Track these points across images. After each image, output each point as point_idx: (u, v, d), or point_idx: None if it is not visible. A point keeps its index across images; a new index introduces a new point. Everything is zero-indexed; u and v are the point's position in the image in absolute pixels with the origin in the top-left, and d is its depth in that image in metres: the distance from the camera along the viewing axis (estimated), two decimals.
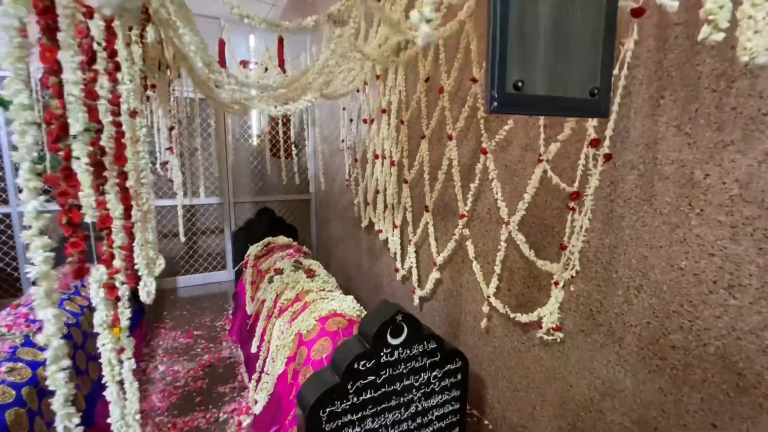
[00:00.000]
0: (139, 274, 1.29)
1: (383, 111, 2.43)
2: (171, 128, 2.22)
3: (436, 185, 2.00)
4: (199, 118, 3.08)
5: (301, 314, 1.68)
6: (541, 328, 1.41)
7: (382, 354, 1.09)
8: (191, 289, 3.78)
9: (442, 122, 1.94)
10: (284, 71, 2.86)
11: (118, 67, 1.34)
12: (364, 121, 2.72)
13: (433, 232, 2.10)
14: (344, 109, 3.13)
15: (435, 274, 2.08)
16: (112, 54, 1.29)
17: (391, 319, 1.09)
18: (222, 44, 2.79)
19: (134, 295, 2.73)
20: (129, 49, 1.27)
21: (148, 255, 1.29)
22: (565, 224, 1.35)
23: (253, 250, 2.79)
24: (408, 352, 1.14)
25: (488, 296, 1.70)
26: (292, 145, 4.05)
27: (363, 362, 1.06)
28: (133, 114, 1.28)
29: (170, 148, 2.32)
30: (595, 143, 1.17)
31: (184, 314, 3.14)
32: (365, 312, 1.85)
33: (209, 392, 2.10)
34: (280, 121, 3.93)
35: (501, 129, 1.56)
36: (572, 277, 1.31)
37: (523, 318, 1.50)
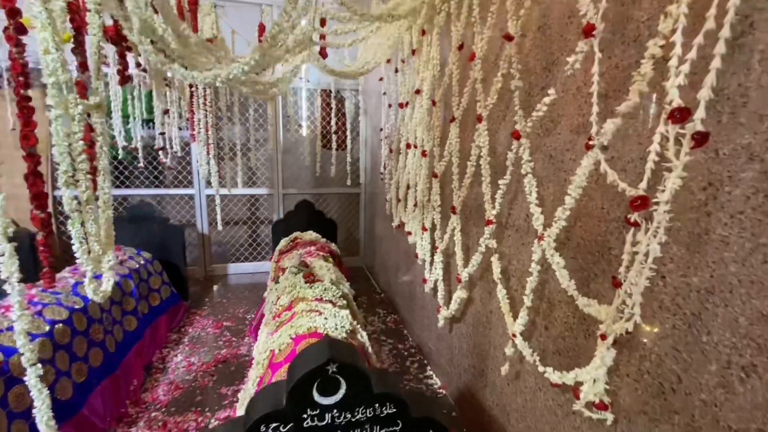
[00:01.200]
0: (83, 269, 1.15)
1: (417, 92, 2.05)
2: (165, 111, 2.15)
3: (465, 180, 1.58)
4: (237, 104, 3.03)
5: (283, 327, 1.44)
6: (578, 398, 0.94)
7: (305, 417, 0.77)
8: (240, 276, 3.85)
9: (473, 100, 1.51)
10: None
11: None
12: (400, 105, 2.36)
13: (460, 239, 1.68)
14: (384, 93, 2.81)
15: (460, 293, 1.67)
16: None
17: (318, 370, 0.77)
18: (262, 28, 2.67)
19: (172, 280, 2.78)
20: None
21: (91, 249, 1.15)
22: (623, 247, 0.86)
23: (282, 244, 2.65)
24: (348, 416, 0.80)
25: (513, 334, 1.25)
26: (347, 136, 3.86)
27: (274, 426, 0.76)
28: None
29: (192, 135, 2.27)
30: (681, 115, 0.68)
31: (223, 302, 3.16)
32: (362, 333, 1.53)
33: (212, 392, 2.00)
34: (333, 111, 3.76)
35: (541, 103, 1.10)
36: (628, 332, 0.83)
37: (554, 376, 1.04)
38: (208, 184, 2.85)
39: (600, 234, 1.00)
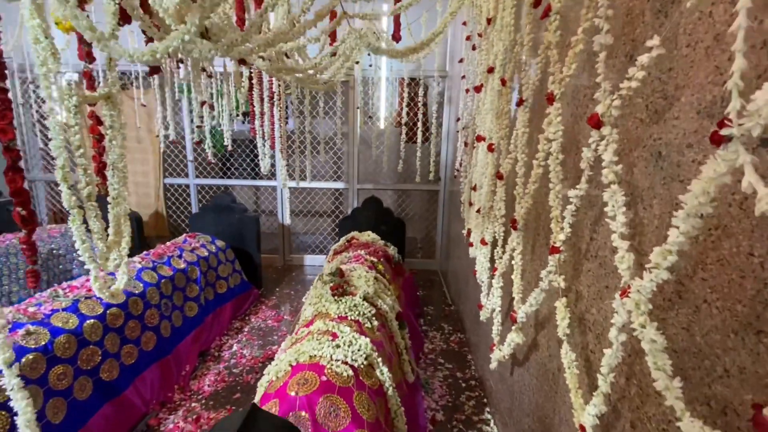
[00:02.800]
0: (87, 267, 1.12)
1: (489, 70, 1.64)
2: (202, 103, 2.11)
3: (530, 186, 1.16)
4: (309, 97, 2.95)
5: (291, 348, 1.25)
6: None
7: None
8: (316, 269, 3.89)
9: (547, 73, 1.08)
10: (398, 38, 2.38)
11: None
12: (476, 89, 1.95)
13: (519, 265, 1.26)
14: (463, 77, 2.40)
15: (514, 336, 1.26)
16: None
17: None
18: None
19: (246, 268, 2.88)
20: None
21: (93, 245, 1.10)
22: None
23: (338, 243, 2.50)
24: None
25: (582, 427, 0.83)
26: (428, 128, 3.55)
27: None
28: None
29: (252, 129, 2.25)
30: None
31: (291, 294, 3.19)
32: (383, 370, 1.25)
33: (250, 391, 1.95)
34: (420, 99, 3.47)
35: (637, 66, 0.66)
36: None
37: None
38: (272, 176, 2.88)
39: (742, 298, 0.54)
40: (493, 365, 1.43)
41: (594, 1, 0.80)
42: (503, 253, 1.40)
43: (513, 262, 1.27)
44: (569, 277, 1.06)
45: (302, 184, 3.30)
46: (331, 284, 1.52)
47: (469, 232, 2.04)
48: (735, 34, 0.47)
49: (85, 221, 1.11)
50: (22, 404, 0.88)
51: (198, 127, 2.19)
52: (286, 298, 3.10)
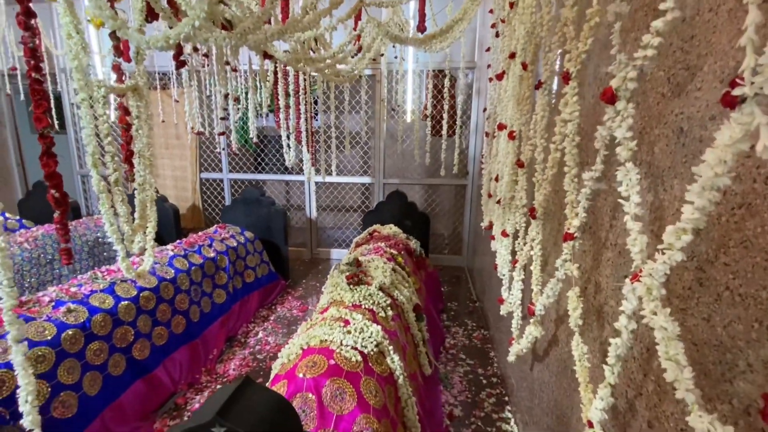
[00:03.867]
0: (115, 248, 1.20)
1: (511, 55, 1.58)
2: (226, 96, 2.16)
3: (548, 171, 1.10)
4: (333, 91, 2.98)
5: (305, 333, 1.27)
6: None
7: None
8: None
9: (564, 52, 1.02)
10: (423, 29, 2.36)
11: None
12: (498, 76, 1.89)
13: (539, 255, 1.20)
14: (489, 66, 2.33)
15: (533, 329, 1.21)
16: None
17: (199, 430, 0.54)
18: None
19: (274, 259, 2.96)
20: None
21: (121, 228, 1.17)
22: None
23: (360, 236, 2.52)
24: None
25: (589, 422, 0.78)
26: (455, 120, 3.48)
27: None
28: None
29: (277, 122, 2.30)
30: None
31: (317, 286, 3.25)
32: (394, 357, 1.24)
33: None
34: (446, 91, 3.42)
35: (651, 32, 0.61)
36: None
37: None
38: (301, 171, 2.93)
39: None
40: (511, 358, 1.38)
41: None
42: (524, 244, 1.35)
43: (532, 252, 1.22)
44: (588, 267, 1.01)
45: (328, 179, 3.34)
46: (347, 273, 1.53)
47: (490, 224, 1.98)
48: None
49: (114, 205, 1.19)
50: (25, 385, 0.84)
51: (222, 119, 2.29)
52: (312, 290, 3.16)
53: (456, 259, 3.83)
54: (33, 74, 0.95)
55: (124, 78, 1.23)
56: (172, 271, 2.05)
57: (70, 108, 3.88)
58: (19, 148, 4.31)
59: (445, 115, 2.99)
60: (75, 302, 1.57)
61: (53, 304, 1.54)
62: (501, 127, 1.73)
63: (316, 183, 3.81)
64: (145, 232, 1.29)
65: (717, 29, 0.60)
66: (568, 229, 0.91)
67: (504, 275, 1.59)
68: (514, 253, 1.52)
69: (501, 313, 1.60)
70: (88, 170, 4.19)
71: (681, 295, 0.66)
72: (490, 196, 1.98)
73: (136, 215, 1.27)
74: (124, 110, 1.23)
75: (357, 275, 1.53)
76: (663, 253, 0.56)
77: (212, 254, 2.39)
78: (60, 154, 1.11)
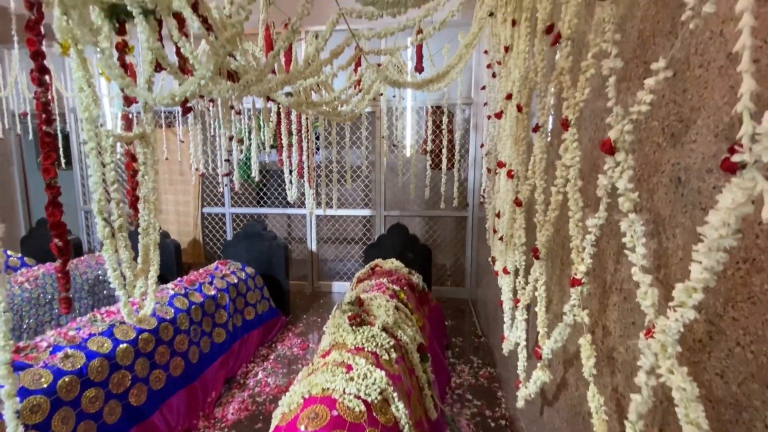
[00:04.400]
0: (117, 294, 1.19)
1: (508, 96, 1.63)
2: (230, 138, 2.22)
3: (550, 213, 1.11)
4: (335, 127, 3.05)
5: (305, 380, 1.23)
6: None
7: None
8: (343, 296, 3.89)
9: (560, 98, 1.05)
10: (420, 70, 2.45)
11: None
12: (496, 115, 1.94)
13: (544, 297, 1.19)
14: (485, 104, 2.40)
15: (540, 374, 1.17)
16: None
17: None
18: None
19: (275, 294, 2.93)
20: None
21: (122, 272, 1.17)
22: None
23: (362, 271, 2.50)
24: None
25: None
26: (454, 154, 3.55)
27: None
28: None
29: (280, 160, 2.35)
30: None
31: (318, 321, 3.19)
32: (399, 405, 1.20)
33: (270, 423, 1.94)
34: (444, 126, 3.50)
35: (644, 90, 0.63)
36: None
37: None
38: (302, 204, 2.97)
39: None
40: (520, 403, 1.33)
41: (601, 26, 0.78)
42: (526, 283, 1.34)
43: (536, 293, 1.21)
44: (594, 310, 0.99)
45: (329, 212, 3.36)
46: (349, 313, 1.51)
47: (494, 260, 1.97)
48: (741, 54, 0.44)
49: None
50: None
51: (226, 160, 2.34)
52: (313, 326, 3.10)
53: (459, 291, 3.79)
54: (44, 127, 0.98)
55: (131, 118, 1.27)
56: (172, 311, 2.02)
57: (77, 146, 3.96)
58: (25, 184, 4.37)
59: (444, 150, 3.04)
60: (73, 347, 1.54)
61: (51, 349, 1.51)
62: (501, 164, 1.76)
63: (318, 216, 3.83)
64: (147, 277, 1.28)
65: (708, 85, 0.62)
66: (575, 274, 0.90)
67: (507, 310, 1.56)
68: (515, 291, 1.51)
69: (503, 352, 1.56)
70: (91, 207, 4.23)
71: (692, 347, 0.65)
72: (495, 231, 1.98)
73: (139, 260, 1.27)
74: (131, 157, 1.25)
75: (359, 315, 1.50)
76: (675, 310, 0.55)
77: (213, 292, 2.36)
78: (65, 189, 1.12)
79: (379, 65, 2.05)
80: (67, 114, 3.94)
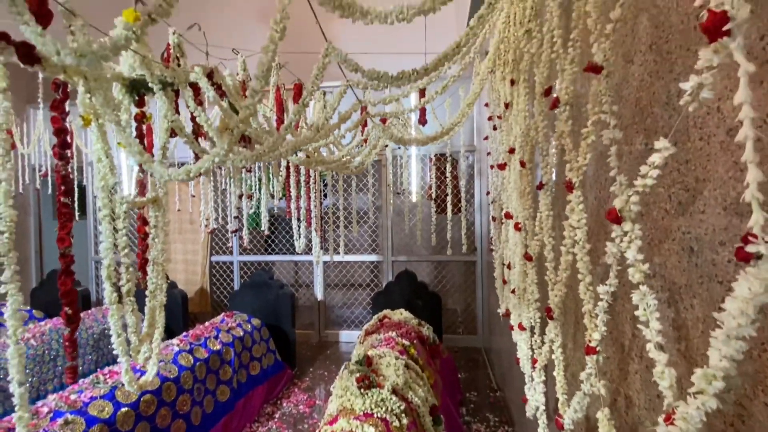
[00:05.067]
0: (118, 360, 1.17)
1: (511, 151, 1.66)
2: (240, 196, 2.27)
3: (561, 273, 1.09)
4: (341, 177, 3.11)
5: None
6: None
7: None
8: (352, 346, 3.77)
9: (562, 160, 1.07)
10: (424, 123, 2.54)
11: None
12: (499, 166, 1.97)
13: (561, 360, 1.14)
14: (488, 153, 2.45)
15: None
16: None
17: None
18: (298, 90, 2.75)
19: (280, 345, 2.85)
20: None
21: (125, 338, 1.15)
22: None
23: (370, 323, 2.44)
24: None
25: None
26: (460, 199, 3.59)
27: None
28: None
29: (288, 212, 2.38)
30: None
31: (324, 375, 3.08)
32: None
33: None
34: (448, 173, 3.56)
35: (648, 164, 0.64)
36: None
37: None
38: (309, 251, 2.97)
39: None
40: None
41: (598, 97, 0.81)
42: (542, 343, 1.29)
43: (553, 356, 1.16)
44: (615, 377, 0.94)
45: (336, 258, 3.36)
46: (357, 374, 1.45)
47: (507, 312, 1.92)
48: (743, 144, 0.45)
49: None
50: None
51: (236, 217, 2.39)
52: (319, 380, 2.99)
53: (471, 340, 3.66)
54: (62, 199, 1.01)
55: (145, 183, 1.31)
56: (176, 369, 1.97)
57: (92, 198, 4.08)
58: (40, 234, 4.46)
59: (449, 196, 3.08)
60: (73, 412, 1.49)
61: (51, 415, 1.47)
62: (508, 215, 1.76)
63: (325, 261, 3.81)
64: (151, 341, 1.26)
65: (711, 158, 0.63)
66: (589, 341, 0.87)
67: (525, 372, 1.49)
68: (532, 349, 1.45)
69: (527, 415, 1.47)
70: (102, 257, 4.28)
71: (724, 431, 0.61)
72: (504, 282, 1.95)
73: (144, 323, 1.26)
74: (143, 221, 1.28)
75: (368, 377, 1.45)
76: (695, 397, 0.52)
77: (218, 347, 2.31)
78: (78, 239, 1.14)
79: (383, 121, 2.13)
80: (85, 168, 4.10)
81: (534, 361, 1.34)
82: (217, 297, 4.04)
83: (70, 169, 1.06)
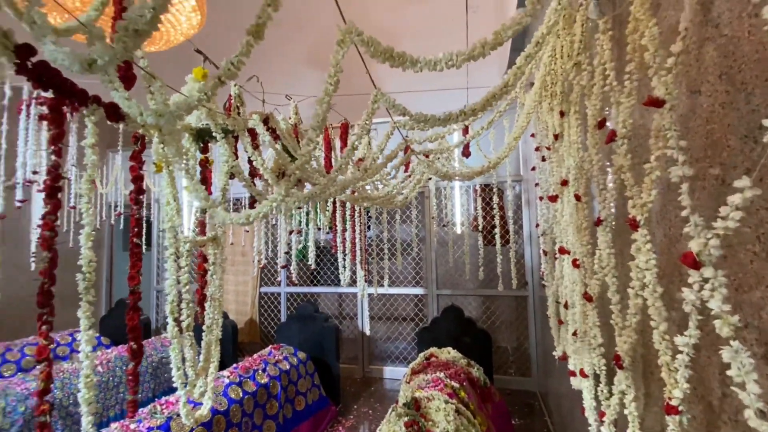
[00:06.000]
0: (178, 393, 1.21)
1: (563, 183, 1.59)
2: (290, 232, 2.32)
3: (629, 318, 1.00)
4: (386, 210, 3.14)
5: None
6: None
7: None
8: (397, 383, 3.66)
9: (623, 195, 1.01)
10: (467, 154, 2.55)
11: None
12: (550, 198, 1.89)
13: (635, 416, 1.02)
14: (537, 184, 2.37)
15: None
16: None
17: None
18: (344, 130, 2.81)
19: (324, 380, 2.84)
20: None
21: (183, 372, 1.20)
22: None
23: (416, 361, 2.35)
24: None
25: None
26: (508, 231, 3.47)
27: None
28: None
29: (334, 246, 2.42)
30: None
31: (369, 414, 2.99)
32: None
33: None
34: (495, 204, 3.49)
35: (729, 206, 0.58)
36: None
37: None
38: (353, 282, 2.99)
39: None
40: None
41: (662, 131, 0.76)
42: (609, 394, 1.17)
43: (626, 410, 1.04)
44: None
45: (380, 291, 3.34)
46: (405, 419, 1.39)
47: (564, 355, 1.77)
48: None
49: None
50: None
51: (286, 253, 2.49)
52: (363, 419, 2.90)
53: (525, 382, 3.41)
54: (135, 240, 1.11)
55: (205, 222, 1.40)
56: (226, 402, 2.00)
57: (157, 233, 4.44)
58: (111, 265, 4.88)
59: (497, 228, 2.99)
60: None
61: None
62: (563, 251, 1.67)
63: (369, 295, 3.80)
64: (206, 375, 1.30)
65: None
66: (669, 399, 0.77)
67: (592, 426, 1.35)
68: (598, 400, 1.31)
69: None
70: (163, 287, 4.58)
71: None
72: (560, 322, 1.82)
73: (200, 357, 1.31)
74: (203, 258, 1.36)
75: (417, 422, 1.38)
76: None
77: (265, 380, 2.34)
78: (142, 269, 1.21)
79: (426, 156, 2.15)
80: (152, 204, 4.49)
81: (602, 415, 1.21)
82: (265, 327, 4.14)
83: (143, 213, 1.16)
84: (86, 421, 0.79)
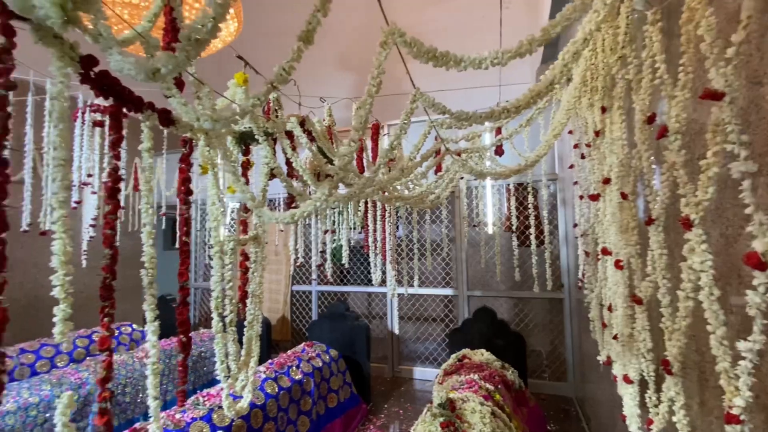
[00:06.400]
0: (221, 385, 1.26)
1: (605, 181, 1.54)
2: (325, 232, 2.34)
3: (680, 322, 0.95)
4: (416, 210, 3.13)
5: None
6: None
7: None
8: (427, 384, 3.64)
9: (675, 193, 0.96)
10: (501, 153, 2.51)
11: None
12: (591, 197, 1.83)
13: (684, 422, 0.97)
14: (575, 183, 2.29)
15: None
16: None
17: None
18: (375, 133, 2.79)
19: (356, 379, 2.87)
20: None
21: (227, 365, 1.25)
22: None
23: (449, 362, 2.33)
24: None
25: None
26: (542, 231, 3.38)
27: None
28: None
29: (366, 246, 2.44)
30: None
31: (399, 414, 2.99)
32: None
33: None
34: (530, 204, 3.41)
35: None
36: None
37: None
38: (383, 282, 3.00)
39: None
40: None
41: (721, 125, 0.72)
42: (658, 401, 1.12)
43: (674, 418, 0.99)
44: None
45: (410, 291, 3.33)
46: (441, 419, 1.38)
47: (608, 360, 1.71)
48: None
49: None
50: None
51: (321, 251, 2.54)
52: (394, 418, 2.91)
53: (560, 387, 3.31)
54: (184, 238, 1.17)
55: (247, 222, 1.45)
56: (263, 396, 2.07)
57: (195, 231, 4.63)
58: None
59: (532, 229, 2.92)
60: (177, 431, 1.63)
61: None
62: (605, 252, 1.61)
63: (399, 295, 3.81)
64: (247, 369, 1.35)
65: None
66: (730, 408, 0.73)
67: (634, 428, 1.30)
68: (643, 404, 1.26)
69: None
70: (201, 284, 4.78)
71: None
72: (604, 326, 1.75)
73: (242, 351, 1.36)
74: (245, 256, 1.42)
75: (453, 423, 1.37)
76: None
77: (299, 376, 2.39)
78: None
79: (459, 154, 2.13)
80: (194, 205, 4.70)
81: (649, 422, 1.16)
82: (296, 326, 4.24)
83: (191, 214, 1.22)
84: (153, 405, 0.84)
